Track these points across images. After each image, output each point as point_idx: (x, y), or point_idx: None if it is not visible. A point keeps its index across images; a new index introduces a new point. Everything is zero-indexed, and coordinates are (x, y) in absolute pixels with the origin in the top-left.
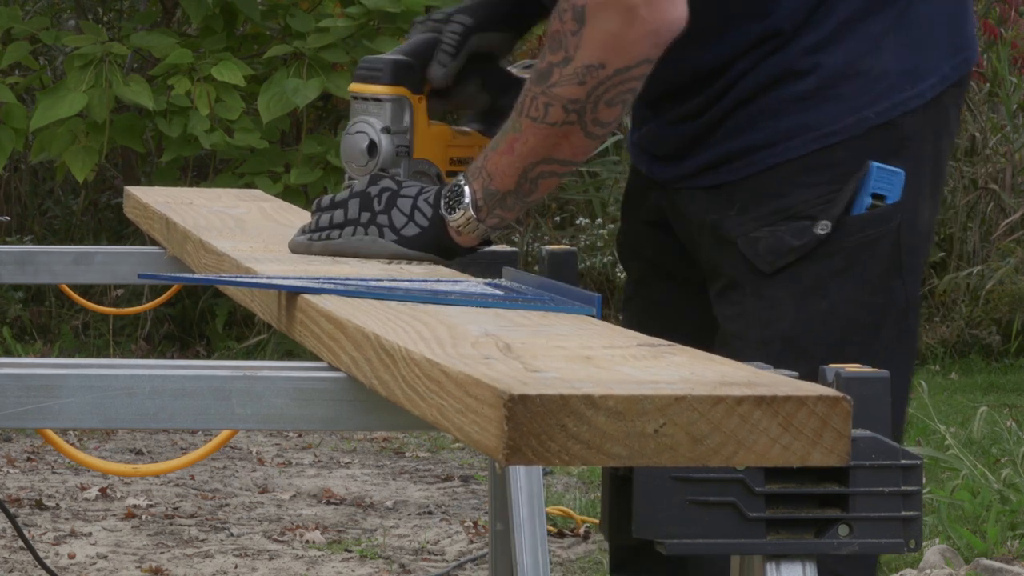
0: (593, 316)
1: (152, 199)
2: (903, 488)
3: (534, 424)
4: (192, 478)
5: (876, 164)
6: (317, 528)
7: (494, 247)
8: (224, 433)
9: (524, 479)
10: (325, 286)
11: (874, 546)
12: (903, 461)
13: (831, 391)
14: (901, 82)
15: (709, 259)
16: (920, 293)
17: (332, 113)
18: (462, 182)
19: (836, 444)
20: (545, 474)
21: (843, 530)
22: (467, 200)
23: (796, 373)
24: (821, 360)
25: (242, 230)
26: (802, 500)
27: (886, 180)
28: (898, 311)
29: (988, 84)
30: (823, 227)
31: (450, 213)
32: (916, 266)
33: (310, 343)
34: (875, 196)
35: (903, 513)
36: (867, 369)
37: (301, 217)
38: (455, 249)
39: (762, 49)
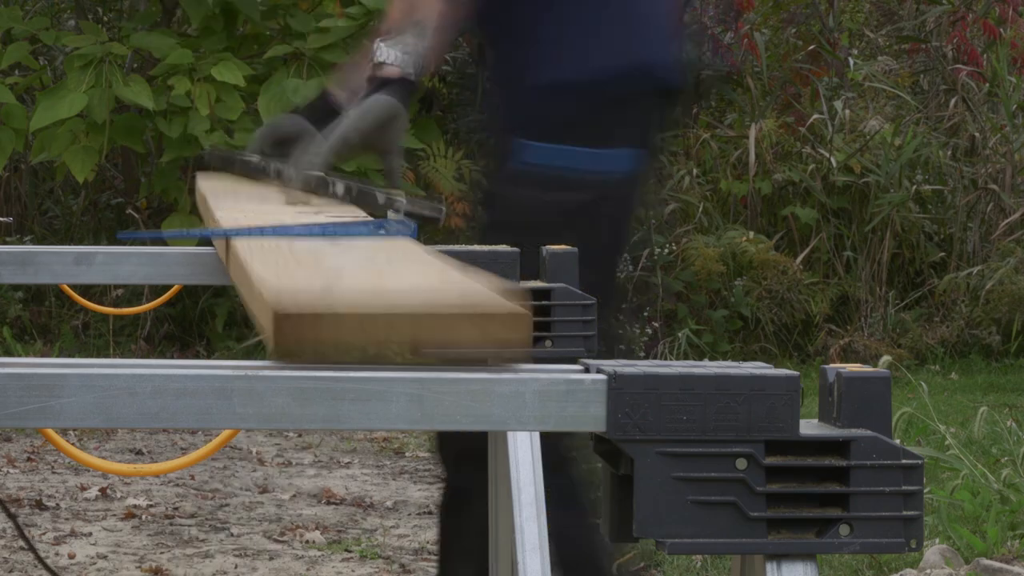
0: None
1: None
2: (904, 488)
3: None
4: (192, 478)
5: None
6: (317, 528)
7: (494, 247)
8: (225, 433)
9: (526, 479)
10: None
11: (875, 546)
12: (904, 461)
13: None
14: None
15: None
16: None
17: None
18: None
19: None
20: None
21: (844, 530)
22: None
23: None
24: None
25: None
26: (803, 499)
27: None
28: None
29: (988, 84)
30: None
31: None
32: None
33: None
34: None
35: (904, 513)
36: (868, 368)
37: None
38: (381, 80)
39: None
